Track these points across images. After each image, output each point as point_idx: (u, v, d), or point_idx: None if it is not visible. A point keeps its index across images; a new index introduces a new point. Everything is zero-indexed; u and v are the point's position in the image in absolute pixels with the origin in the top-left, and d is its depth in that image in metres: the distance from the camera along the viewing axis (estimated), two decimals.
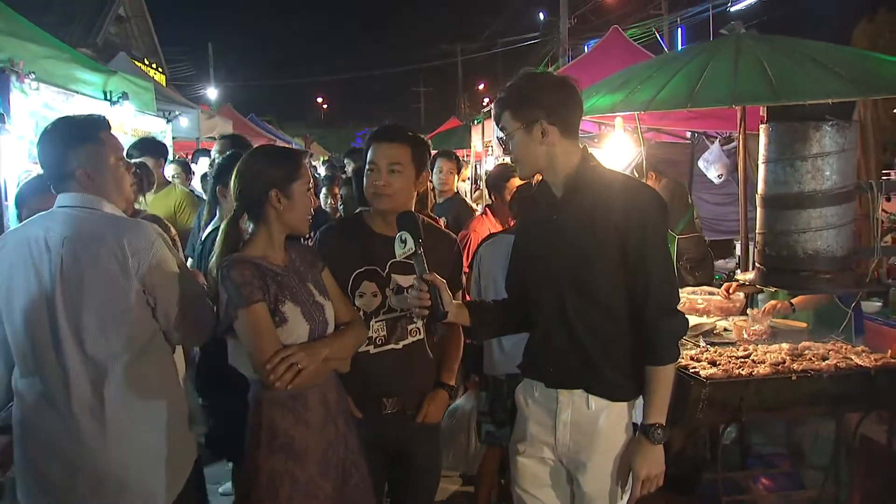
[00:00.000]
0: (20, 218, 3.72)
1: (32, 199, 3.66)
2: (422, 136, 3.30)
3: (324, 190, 6.86)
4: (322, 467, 2.80)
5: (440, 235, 3.37)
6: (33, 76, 5.40)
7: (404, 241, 2.77)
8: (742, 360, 3.88)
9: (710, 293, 5.48)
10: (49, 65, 5.89)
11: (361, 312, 3.14)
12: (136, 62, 26.03)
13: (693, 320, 4.89)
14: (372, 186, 3.14)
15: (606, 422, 2.71)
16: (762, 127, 3.82)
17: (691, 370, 3.72)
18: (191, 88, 33.67)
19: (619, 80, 5.22)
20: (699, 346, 4.35)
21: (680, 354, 2.73)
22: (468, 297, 3.71)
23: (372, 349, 3.15)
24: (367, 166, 3.17)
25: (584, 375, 2.73)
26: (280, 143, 21.62)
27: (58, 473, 2.78)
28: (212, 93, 33.91)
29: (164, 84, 27.27)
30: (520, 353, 3.02)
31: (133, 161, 5.68)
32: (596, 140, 8.92)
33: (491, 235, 4.59)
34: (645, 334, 2.65)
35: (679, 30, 23.23)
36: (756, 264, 4.04)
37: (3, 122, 5.17)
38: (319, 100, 70.31)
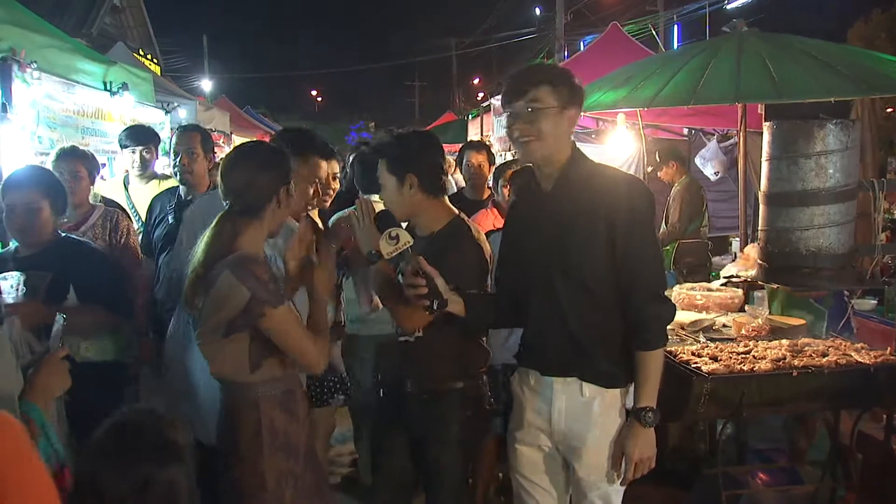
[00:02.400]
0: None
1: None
2: (402, 142, 3.21)
3: None
4: (306, 459, 2.84)
5: (468, 238, 3.26)
6: (35, 65, 5.38)
7: (395, 238, 2.84)
8: (743, 355, 3.90)
9: (709, 289, 5.51)
10: (50, 54, 5.85)
11: None
12: (132, 53, 26.11)
13: (692, 316, 4.92)
14: None
15: (600, 408, 2.78)
16: (766, 124, 3.85)
17: (693, 365, 3.74)
18: (185, 80, 33.52)
19: (622, 76, 5.24)
20: (699, 341, 4.37)
21: (668, 339, 2.82)
22: None
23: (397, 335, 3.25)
24: None
25: (576, 363, 2.79)
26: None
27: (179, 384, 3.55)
28: (206, 84, 33.76)
29: (159, 75, 27.29)
30: (515, 342, 3.11)
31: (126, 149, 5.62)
32: (594, 136, 8.96)
33: (494, 232, 4.58)
34: (633, 320, 2.73)
35: (675, 27, 23.26)
36: (757, 261, 4.07)
37: (4, 111, 5.15)
38: (314, 93, 69.89)
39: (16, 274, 3.16)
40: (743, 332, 4.58)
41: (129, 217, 4.58)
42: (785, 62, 4.46)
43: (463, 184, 5.95)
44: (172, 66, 33.04)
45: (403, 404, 3.23)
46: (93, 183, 4.68)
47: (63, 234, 3.86)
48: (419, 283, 2.79)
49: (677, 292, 5.39)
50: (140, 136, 5.56)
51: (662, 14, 23.36)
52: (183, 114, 9.85)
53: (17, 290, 3.10)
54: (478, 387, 3.24)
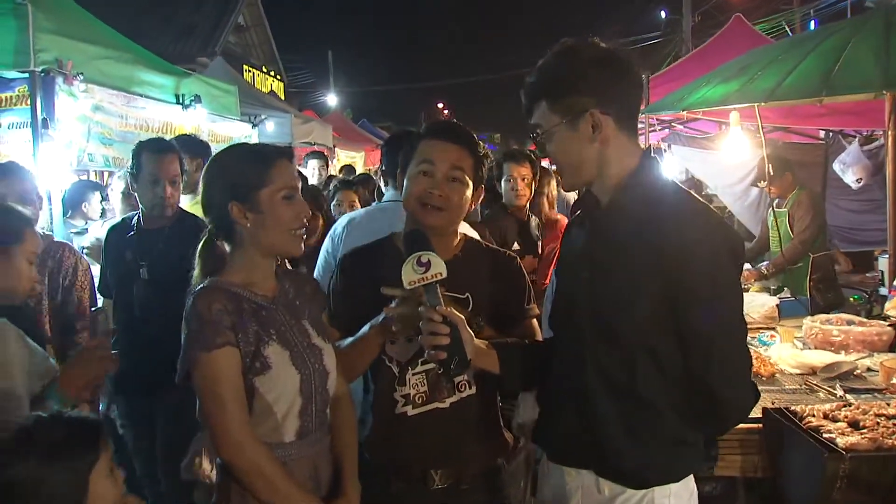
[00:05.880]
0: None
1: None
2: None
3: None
4: None
5: (493, 255, 2.69)
6: (82, 77, 5.00)
7: (425, 265, 2.11)
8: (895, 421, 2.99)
9: (849, 322, 4.54)
10: (106, 65, 5.52)
11: (395, 363, 2.48)
12: (255, 70, 26.63)
13: (828, 357, 4.01)
14: (423, 195, 2.44)
15: None
16: None
17: (824, 435, 2.86)
18: (311, 95, 34.04)
19: (737, 66, 4.40)
20: (835, 394, 3.47)
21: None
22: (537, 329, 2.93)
23: (410, 409, 2.47)
24: (416, 166, 2.49)
25: (592, 451, 2.11)
26: None
27: None
28: (331, 99, 33.95)
29: (282, 92, 27.68)
30: None
31: None
32: (710, 143, 8.09)
33: None
34: (700, 402, 2.05)
35: (812, 23, 21.62)
36: None
37: (46, 127, 4.78)
38: (440, 105, 70.43)
39: None
40: (894, 381, 3.63)
41: (77, 254, 3.81)
42: None
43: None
44: (299, 82, 33.69)
45: (426, 502, 2.48)
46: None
47: None
48: (442, 330, 2.09)
49: (808, 326, 4.49)
50: (188, 148, 4.93)
51: (798, 10, 21.74)
52: (271, 126, 9.50)
53: None
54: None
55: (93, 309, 2.70)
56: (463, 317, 2.15)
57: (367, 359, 2.44)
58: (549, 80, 2.10)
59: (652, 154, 2.16)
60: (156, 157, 3.80)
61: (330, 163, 12.95)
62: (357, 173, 10.15)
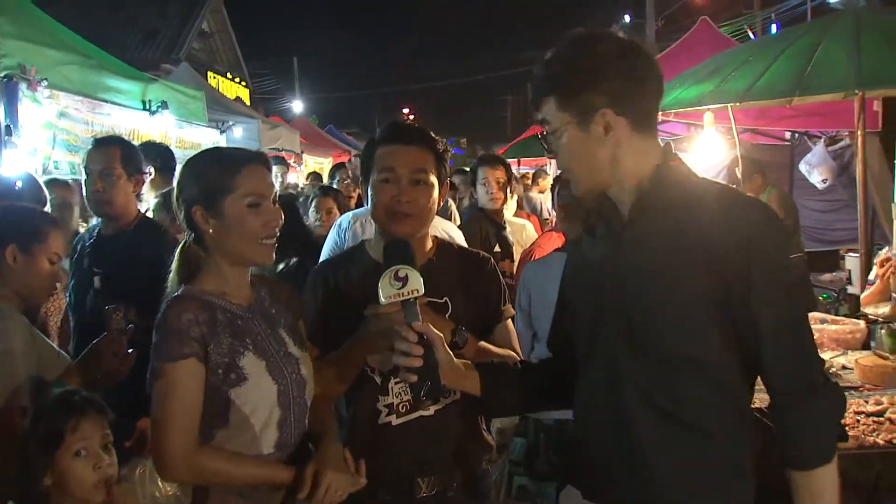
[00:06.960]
0: None
1: None
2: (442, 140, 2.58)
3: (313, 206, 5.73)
4: None
5: (467, 257, 2.64)
6: (46, 83, 4.91)
7: (403, 280, 2.03)
8: (875, 419, 3.00)
9: (822, 321, 4.57)
10: (70, 71, 5.43)
11: (377, 373, 2.42)
12: (219, 76, 26.44)
13: None
14: (390, 204, 2.38)
15: None
16: None
17: None
18: (277, 102, 33.86)
19: (709, 67, 4.42)
20: None
21: (834, 450, 1.79)
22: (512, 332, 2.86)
23: (394, 419, 2.42)
24: (377, 175, 2.43)
25: (633, 486, 1.87)
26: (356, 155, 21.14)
27: None
28: (297, 106, 33.78)
29: (247, 98, 27.50)
30: None
31: None
32: (686, 144, 8.10)
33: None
34: (776, 424, 1.82)
35: (773, 26, 21.90)
36: (893, 294, 3.17)
37: (9, 134, 4.67)
38: (406, 110, 70.59)
39: None
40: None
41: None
42: None
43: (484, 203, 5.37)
44: (265, 88, 33.51)
45: None
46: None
47: None
48: (415, 351, 2.00)
49: None
50: (150, 153, 4.68)
51: (759, 13, 22.00)
52: (239, 132, 9.39)
53: None
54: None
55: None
56: (441, 335, 2.06)
57: (351, 374, 2.38)
58: (559, 75, 1.87)
59: (672, 151, 1.99)
60: (90, 150, 3.57)
61: (297, 169, 12.86)
62: (323, 181, 10.02)
